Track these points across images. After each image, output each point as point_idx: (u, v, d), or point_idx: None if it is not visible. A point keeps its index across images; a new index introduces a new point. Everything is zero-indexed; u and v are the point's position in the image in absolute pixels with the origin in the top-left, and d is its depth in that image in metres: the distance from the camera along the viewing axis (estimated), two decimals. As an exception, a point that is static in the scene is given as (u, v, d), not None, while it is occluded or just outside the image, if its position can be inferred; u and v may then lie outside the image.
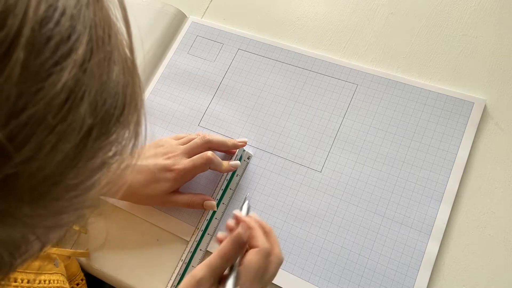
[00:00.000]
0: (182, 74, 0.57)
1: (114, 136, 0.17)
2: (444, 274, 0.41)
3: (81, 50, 0.14)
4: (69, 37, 0.14)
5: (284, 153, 0.49)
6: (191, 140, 0.47)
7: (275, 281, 0.43)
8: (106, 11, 0.16)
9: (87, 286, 0.48)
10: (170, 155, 0.45)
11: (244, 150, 0.49)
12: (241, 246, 0.34)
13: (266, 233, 0.37)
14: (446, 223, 0.42)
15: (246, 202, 0.40)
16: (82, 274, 0.47)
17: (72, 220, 0.18)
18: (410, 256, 0.42)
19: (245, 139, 0.50)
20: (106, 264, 0.47)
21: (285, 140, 0.50)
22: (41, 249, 0.18)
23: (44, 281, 0.37)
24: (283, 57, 0.55)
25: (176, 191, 0.46)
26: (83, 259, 0.48)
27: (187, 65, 0.57)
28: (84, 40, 0.15)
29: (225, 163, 0.46)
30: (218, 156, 0.46)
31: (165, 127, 0.54)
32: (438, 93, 0.48)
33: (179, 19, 0.61)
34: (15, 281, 0.33)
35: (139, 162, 0.42)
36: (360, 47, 0.53)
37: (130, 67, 0.17)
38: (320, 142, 0.49)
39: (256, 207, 0.47)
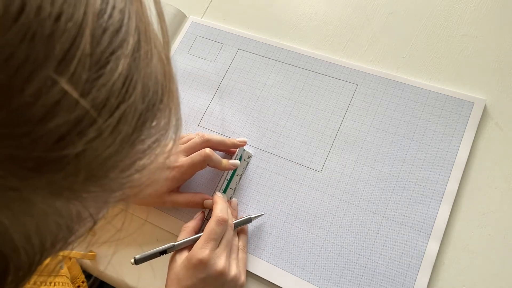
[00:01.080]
0: (182, 74, 0.57)
1: (157, 121, 0.19)
2: (444, 274, 0.41)
3: (131, 41, 0.16)
4: (120, 28, 0.15)
5: (284, 153, 0.49)
6: (190, 140, 0.47)
7: (275, 281, 0.43)
8: (145, 8, 0.18)
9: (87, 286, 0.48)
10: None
11: (244, 150, 0.49)
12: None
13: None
14: (446, 223, 0.42)
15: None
16: (83, 276, 0.47)
17: (120, 199, 0.20)
18: (410, 256, 0.42)
19: (245, 139, 0.50)
20: (106, 264, 0.47)
21: (285, 140, 0.50)
22: (90, 228, 0.20)
23: (50, 282, 0.37)
24: (283, 57, 0.55)
25: (175, 191, 0.46)
26: (83, 260, 0.48)
27: (187, 65, 0.57)
28: (132, 31, 0.16)
29: (224, 161, 0.46)
30: (218, 156, 0.46)
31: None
32: (438, 93, 0.48)
33: (179, 19, 0.61)
34: None
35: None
36: (360, 47, 0.53)
37: (164, 58, 0.19)
38: (320, 142, 0.49)
39: (256, 207, 0.47)
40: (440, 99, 0.48)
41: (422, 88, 0.49)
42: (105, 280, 0.48)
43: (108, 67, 0.15)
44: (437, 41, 0.51)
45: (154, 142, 0.19)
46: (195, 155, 0.44)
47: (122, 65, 0.15)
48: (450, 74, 0.49)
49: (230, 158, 0.49)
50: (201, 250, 0.39)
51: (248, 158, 0.49)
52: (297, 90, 0.52)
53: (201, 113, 0.54)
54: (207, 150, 0.45)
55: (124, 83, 0.15)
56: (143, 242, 0.47)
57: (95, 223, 0.20)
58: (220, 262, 0.39)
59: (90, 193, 0.17)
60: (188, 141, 0.47)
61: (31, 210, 0.15)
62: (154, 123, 0.18)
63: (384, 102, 0.49)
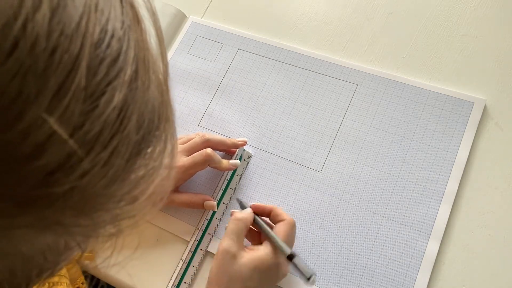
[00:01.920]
0: (182, 74, 0.57)
1: (152, 149, 0.18)
2: (444, 274, 0.41)
3: (129, 71, 0.15)
4: (118, 57, 0.15)
5: (284, 153, 0.49)
6: (191, 140, 0.47)
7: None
8: (145, 33, 0.17)
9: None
10: None
11: (244, 150, 0.49)
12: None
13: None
14: (446, 223, 0.42)
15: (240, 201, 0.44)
16: (82, 277, 0.47)
17: (113, 231, 0.19)
18: (410, 256, 0.42)
19: (245, 139, 0.50)
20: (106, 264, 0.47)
21: (285, 140, 0.50)
22: (80, 257, 0.19)
23: (49, 283, 0.37)
24: (283, 57, 0.55)
25: (176, 191, 0.46)
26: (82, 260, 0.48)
27: (187, 65, 0.57)
28: (130, 60, 0.15)
29: (225, 161, 0.46)
30: (219, 156, 0.46)
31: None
32: (438, 93, 0.48)
33: (179, 19, 0.61)
34: None
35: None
36: (360, 47, 0.53)
37: (163, 84, 0.18)
38: (320, 142, 0.49)
39: (256, 207, 0.47)
40: (440, 99, 0.48)
41: (422, 88, 0.49)
42: (104, 280, 0.48)
43: (103, 98, 0.14)
44: (437, 41, 0.51)
45: (148, 171, 0.18)
46: (196, 155, 0.44)
47: (117, 97, 0.15)
48: (450, 74, 0.49)
49: (230, 158, 0.49)
50: (278, 255, 0.39)
51: (248, 158, 0.49)
52: (297, 90, 0.52)
53: (201, 113, 0.54)
54: (208, 150, 0.45)
55: (119, 115, 0.15)
56: (143, 242, 0.47)
57: (83, 252, 0.19)
58: (287, 267, 0.40)
59: (80, 227, 0.16)
60: (188, 141, 0.47)
61: (17, 247, 0.15)
62: (149, 150, 0.18)
63: (384, 102, 0.49)
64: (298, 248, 0.44)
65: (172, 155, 0.20)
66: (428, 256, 0.41)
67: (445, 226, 0.42)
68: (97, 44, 0.14)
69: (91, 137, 0.14)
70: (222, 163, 0.46)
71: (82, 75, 0.13)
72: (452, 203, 0.43)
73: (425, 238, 0.42)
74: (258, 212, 0.43)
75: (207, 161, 0.44)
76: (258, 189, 0.48)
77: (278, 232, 0.40)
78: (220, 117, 0.53)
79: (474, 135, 0.45)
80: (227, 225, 0.41)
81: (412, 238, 0.42)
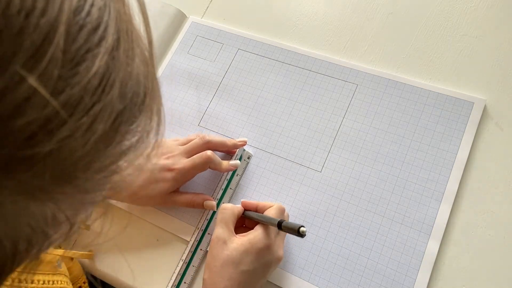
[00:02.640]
0: (182, 74, 0.57)
1: (137, 123, 0.18)
2: (444, 274, 0.41)
3: (110, 40, 0.16)
4: (98, 26, 0.15)
5: (284, 153, 0.49)
6: (190, 141, 0.47)
7: (275, 281, 0.43)
8: (128, 6, 0.18)
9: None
10: (169, 155, 0.45)
11: (244, 150, 0.49)
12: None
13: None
14: (446, 223, 0.42)
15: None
16: (84, 277, 0.47)
17: (97, 200, 0.19)
18: (410, 256, 0.42)
19: (245, 139, 0.50)
20: (106, 264, 0.47)
21: (285, 140, 0.50)
22: (68, 232, 0.19)
23: (48, 281, 0.37)
24: (283, 57, 0.55)
25: (176, 191, 0.46)
26: (83, 259, 0.48)
27: (187, 65, 0.57)
28: (111, 30, 0.16)
29: (225, 163, 0.46)
30: (218, 156, 0.46)
31: (165, 127, 0.54)
32: (438, 93, 0.48)
33: (179, 19, 0.61)
34: (20, 282, 0.33)
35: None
36: (360, 47, 0.53)
37: (148, 59, 0.19)
38: (320, 142, 0.49)
39: (256, 207, 0.47)
40: (440, 99, 0.48)
41: (422, 88, 0.49)
42: (103, 279, 0.48)
43: (84, 65, 0.15)
44: (437, 41, 0.51)
45: (133, 145, 0.19)
46: (197, 157, 0.44)
47: (98, 63, 0.15)
48: (450, 74, 0.49)
49: (230, 159, 0.49)
50: (268, 237, 0.39)
51: (248, 158, 0.49)
52: (297, 90, 0.52)
53: (201, 113, 0.54)
54: (209, 152, 0.45)
55: (100, 82, 0.15)
56: (143, 242, 0.47)
57: (72, 226, 0.19)
58: (281, 250, 0.40)
59: (64, 194, 0.16)
60: (188, 142, 0.47)
61: (0, 211, 0.15)
62: (133, 125, 0.18)
63: (384, 102, 0.49)
64: (298, 248, 0.44)
65: (157, 131, 0.21)
66: (428, 256, 0.41)
67: (445, 226, 0.42)
68: (76, 11, 0.14)
69: (72, 101, 0.14)
70: (222, 165, 0.46)
71: (60, 39, 0.14)
72: (452, 203, 0.43)
73: (425, 238, 0.42)
74: (247, 207, 0.44)
75: (207, 164, 0.44)
76: (258, 189, 0.48)
77: (267, 214, 0.41)
78: (220, 117, 0.53)
79: (474, 135, 0.45)
80: (215, 217, 0.41)
81: (412, 238, 0.42)
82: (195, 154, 0.45)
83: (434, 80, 0.50)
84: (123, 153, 0.18)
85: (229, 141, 0.48)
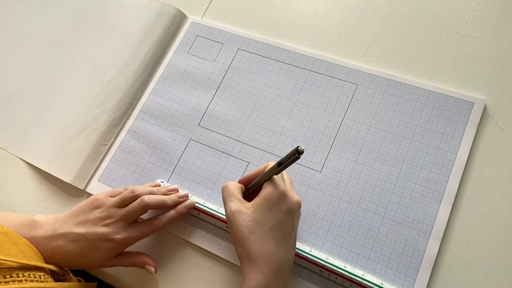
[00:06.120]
0: (182, 74, 0.57)
1: None
2: (444, 274, 0.41)
3: None
4: None
5: (284, 153, 0.49)
6: (119, 194, 0.43)
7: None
8: None
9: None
10: (108, 221, 0.41)
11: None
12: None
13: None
14: (446, 223, 0.42)
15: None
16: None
17: None
18: (410, 256, 0.42)
19: (185, 192, 0.47)
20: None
21: (285, 140, 0.50)
22: None
23: (17, 274, 0.35)
24: (283, 57, 0.55)
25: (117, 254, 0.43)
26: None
27: (187, 65, 0.57)
28: None
29: (172, 197, 0.45)
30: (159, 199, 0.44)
31: (165, 127, 0.54)
32: (438, 93, 0.48)
33: (179, 19, 0.61)
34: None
35: (74, 230, 0.39)
36: (360, 47, 0.53)
37: None
38: (320, 142, 0.49)
39: (256, 207, 0.47)
40: (440, 99, 0.48)
41: (422, 88, 0.49)
42: (103, 279, 0.48)
43: None
44: (437, 41, 0.51)
45: None
46: (137, 230, 0.42)
47: None
48: (450, 74, 0.49)
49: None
50: (278, 186, 0.38)
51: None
52: (297, 90, 0.52)
53: (201, 113, 0.54)
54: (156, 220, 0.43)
55: None
56: (143, 242, 0.47)
57: None
58: (296, 195, 0.39)
59: None
60: (117, 194, 0.43)
61: None
62: None
63: (384, 102, 0.49)
64: (299, 248, 0.44)
65: None
66: (428, 256, 0.41)
67: (445, 226, 0.42)
68: None
69: None
70: (166, 201, 0.44)
71: None
72: (452, 203, 0.43)
73: (425, 238, 0.42)
74: (246, 182, 0.43)
75: (153, 232, 0.43)
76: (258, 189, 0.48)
77: (263, 192, 0.39)
78: (220, 117, 0.53)
79: (474, 135, 0.45)
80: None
81: (412, 238, 0.42)
82: (135, 219, 0.42)
83: (434, 80, 0.50)
84: None
85: (168, 199, 0.45)
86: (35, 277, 0.35)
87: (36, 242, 0.39)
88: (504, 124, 0.46)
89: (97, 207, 0.42)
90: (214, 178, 0.49)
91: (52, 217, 0.42)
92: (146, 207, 0.42)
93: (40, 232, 0.40)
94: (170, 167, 0.51)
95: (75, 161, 0.52)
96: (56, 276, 0.39)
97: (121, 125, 0.55)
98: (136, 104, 0.56)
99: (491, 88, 0.48)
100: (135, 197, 0.43)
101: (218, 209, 0.46)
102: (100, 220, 0.41)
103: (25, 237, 0.39)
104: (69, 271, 0.42)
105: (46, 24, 0.64)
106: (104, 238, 0.40)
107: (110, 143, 0.54)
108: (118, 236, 0.40)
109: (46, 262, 0.39)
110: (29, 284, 0.34)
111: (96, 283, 0.45)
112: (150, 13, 0.61)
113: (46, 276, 0.37)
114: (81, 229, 0.40)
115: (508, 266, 0.40)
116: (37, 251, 0.39)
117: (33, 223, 0.41)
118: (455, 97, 0.47)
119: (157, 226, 0.43)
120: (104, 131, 0.54)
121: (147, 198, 0.42)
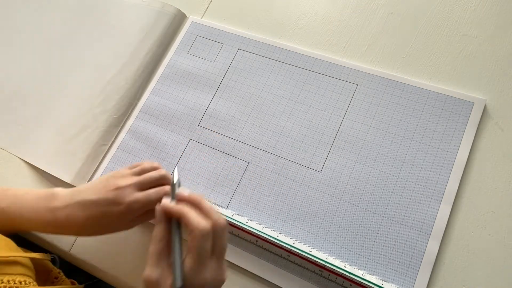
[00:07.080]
0: (182, 74, 0.57)
1: None
2: (444, 274, 0.41)
3: None
4: None
5: (284, 153, 0.49)
6: (144, 169, 0.43)
7: (275, 281, 0.43)
8: None
9: (86, 284, 0.48)
10: (121, 185, 0.40)
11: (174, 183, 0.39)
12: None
13: (200, 207, 0.35)
14: (446, 223, 0.42)
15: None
16: (56, 270, 0.45)
17: None
18: (410, 256, 0.42)
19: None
20: (106, 264, 0.47)
21: (285, 140, 0.50)
22: None
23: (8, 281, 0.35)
24: (283, 57, 0.55)
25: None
26: (83, 257, 0.48)
27: (187, 65, 0.57)
28: None
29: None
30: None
31: (165, 127, 0.54)
32: (438, 93, 0.48)
33: (179, 19, 0.61)
34: None
35: (87, 197, 0.40)
36: (360, 47, 0.53)
37: None
38: (320, 142, 0.49)
39: (256, 207, 0.47)
40: (440, 99, 0.48)
41: (422, 88, 0.49)
42: (103, 279, 0.48)
43: None
44: (437, 41, 0.51)
45: None
46: (148, 193, 0.40)
47: None
48: (450, 74, 0.49)
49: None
50: (202, 273, 0.33)
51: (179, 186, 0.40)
52: (297, 90, 0.52)
53: (201, 113, 0.54)
54: (167, 188, 0.41)
55: None
56: (143, 242, 0.47)
57: None
58: (225, 274, 0.35)
59: None
60: (141, 171, 0.42)
61: None
62: None
63: (384, 102, 0.49)
64: (299, 248, 0.44)
65: None
66: (428, 256, 0.41)
67: (445, 226, 0.42)
68: None
69: None
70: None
71: None
72: (452, 203, 0.43)
73: (425, 238, 0.42)
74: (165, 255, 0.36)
75: (158, 199, 0.40)
76: (258, 189, 0.48)
77: (190, 247, 0.33)
78: (220, 117, 0.53)
79: (474, 135, 0.45)
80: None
81: (412, 238, 0.42)
82: (149, 188, 0.41)
83: (434, 80, 0.50)
84: None
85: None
86: (20, 283, 0.35)
87: (54, 213, 0.40)
88: (504, 124, 0.46)
89: (113, 175, 0.42)
90: (214, 178, 0.49)
91: (71, 188, 0.42)
92: (163, 177, 0.41)
93: (58, 202, 0.41)
94: (170, 167, 0.51)
95: (75, 161, 0.52)
96: (50, 278, 0.40)
97: (121, 125, 0.55)
98: (136, 104, 0.56)
99: (491, 88, 0.48)
100: (154, 168, 0.43)
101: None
102: (113, 186, 0.41)
103: (45, 207, 0.40)
104: (62, 272, 0.43)
105: (46, 24, 0.64)
106: (113, 202, 0.40)
107: (110, 143, 0.54)
108: (126, 199, 0.39)
109: (65, 233, 0.40)
110: None
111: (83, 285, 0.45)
112: (150, 13, 0.61)
113: (28, 281, 0.37)
114: (93, 196, 0.40)
115: (508, 266, 0.40)
116: (16, 246, 0.39)
117: (52, 195, 0.42)
118: (455, 97, 0.47)
119: (162, 190, 0.41)
120: (104, 131, 0.54)
121: (165, 171, 0.42)
